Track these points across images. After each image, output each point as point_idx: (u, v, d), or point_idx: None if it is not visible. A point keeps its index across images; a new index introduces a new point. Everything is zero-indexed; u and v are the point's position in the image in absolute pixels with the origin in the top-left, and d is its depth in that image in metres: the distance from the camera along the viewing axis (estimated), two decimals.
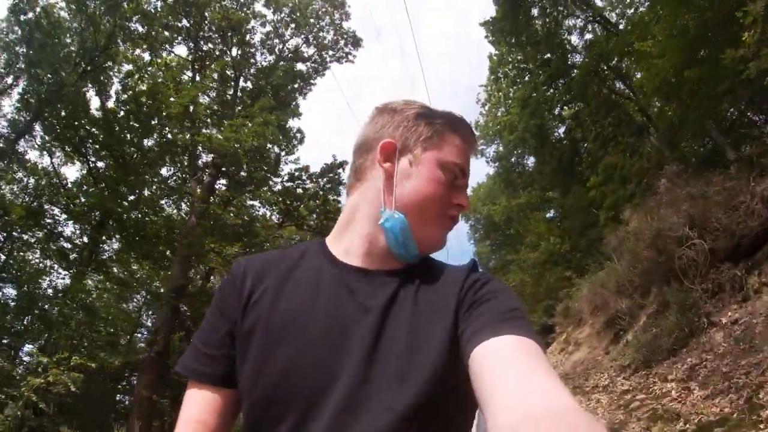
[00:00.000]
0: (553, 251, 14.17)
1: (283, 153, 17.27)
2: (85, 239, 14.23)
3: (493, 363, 0.54)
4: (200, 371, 0.74)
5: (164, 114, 13.02)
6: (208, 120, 15.09)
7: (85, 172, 14.42)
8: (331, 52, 17.38)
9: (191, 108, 12.96)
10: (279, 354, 0.67)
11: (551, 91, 16.25)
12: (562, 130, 18.20)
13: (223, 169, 15.69)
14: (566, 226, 14.19)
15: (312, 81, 17.53)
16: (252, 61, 16.98)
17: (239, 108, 15.61)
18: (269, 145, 15.55)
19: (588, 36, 16.95)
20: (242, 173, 14.29)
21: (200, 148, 13.62)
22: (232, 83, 16.41)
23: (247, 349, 0.70)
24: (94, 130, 12.90)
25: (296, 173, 16.87)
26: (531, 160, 19.62)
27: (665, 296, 6.45)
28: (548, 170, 15.76)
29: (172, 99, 12.68)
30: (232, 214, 12.74)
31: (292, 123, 17.42)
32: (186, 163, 14.75)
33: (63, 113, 12.26)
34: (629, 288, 6.71)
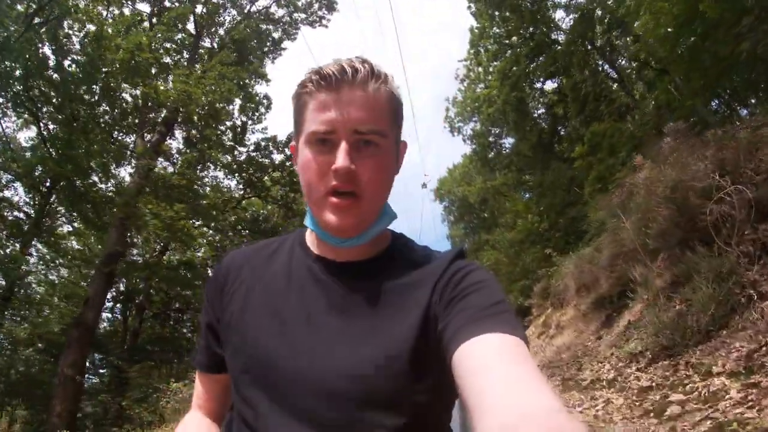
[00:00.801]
0: (530, 230, 12.36)
1: (249, 122, 15.23)
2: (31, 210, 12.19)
3: (477, 364, 0.48)
4: (197, 360, 0.75)
5: (108, 62, 10.69)
6: (163, 76, 12.85)
7: (38, 136, 12.17)
8: (303, 15, 15.21)
9: (137, 56, 10.65)
10: (250, 344, 0.63)
11: (533, 65, 14.40)
12: (542, 110, 16.47)
13: (181, 133, 13.59)
14: (545, 204, 12.40)
15: (282, 46, 15.36)
16: (217, 20, 14.73)
17: (198, 66, 13.38)
18: (230, 107, 13.41)
19: (573, 15, 15.20)
20: (194, 131, 12.07)
21: (149, 103, 11.43)
22: (192, 42, 14.15)
23: (228, 339, 0.68)
24: (47, 89, 10.64)
25: (263, 143, 14.90)
26: (509, 141, 17.84)
27: (688, 263, 4.61)
28: (527, 147, 13.92)
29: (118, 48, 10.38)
30: (175, 175, 10.51)
31: (260, 89, 15.35)
32: (136, 121, 12.46)
33: (17, 72, 10.01)
34: (641, 253, 4.83)
